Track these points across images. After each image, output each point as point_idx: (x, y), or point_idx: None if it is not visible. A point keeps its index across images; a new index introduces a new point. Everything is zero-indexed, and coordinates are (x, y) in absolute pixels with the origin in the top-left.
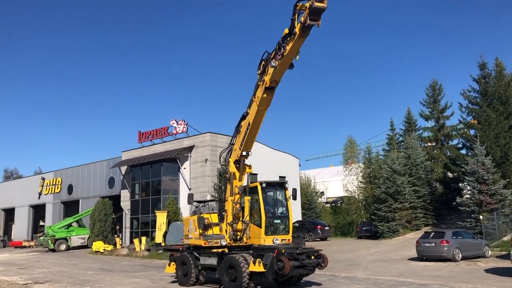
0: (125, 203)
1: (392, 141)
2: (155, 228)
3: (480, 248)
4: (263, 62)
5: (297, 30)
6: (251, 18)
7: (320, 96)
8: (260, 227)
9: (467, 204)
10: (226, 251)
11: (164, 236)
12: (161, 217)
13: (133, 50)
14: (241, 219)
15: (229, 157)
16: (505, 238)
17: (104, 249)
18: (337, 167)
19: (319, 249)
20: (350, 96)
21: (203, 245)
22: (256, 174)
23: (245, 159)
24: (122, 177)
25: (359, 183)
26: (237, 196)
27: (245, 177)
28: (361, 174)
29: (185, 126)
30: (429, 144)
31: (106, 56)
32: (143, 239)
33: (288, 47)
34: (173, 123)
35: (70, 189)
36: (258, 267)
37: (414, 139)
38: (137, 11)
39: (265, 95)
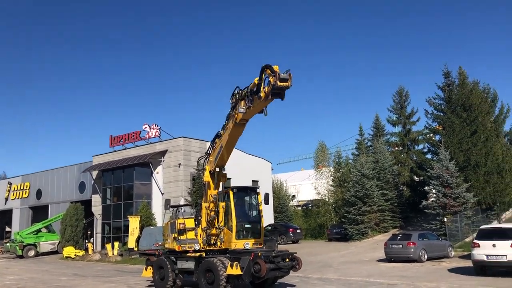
0: (96, 208)
1: (361, 145)
2: (128, 233)
3: (444, 249)
4: (235, 95)
5: (262, 95)
6: (230, 19)
7: (291, 99)
8: (231, 231)
9: (432, 207)
10: (204, 255)
11: (137, 241)
12: (134, 222)
13: (107, 53)
14: (215, 224)
15: (206, 164)
16: (467, 239)
17: (75, 255)
18: (308, 170)
19: (294, 252)
20: (321, 101)
21: (177, 249)
22: (229, 179)
23: (221, 171)
24: (93, 181)
25: (329, 187)
26: (212, 204)
27: (220, 184)
28: (331, 178)
29: (158, 130)
30: (396, 148)
31: (77, 58)
32: (116, 244)
33: (254, 104)
34: (145, 128)
35: (38, 194)
36: (236, 270)
37: (382, 144)
38: (113, 13)
39: (235, 128)
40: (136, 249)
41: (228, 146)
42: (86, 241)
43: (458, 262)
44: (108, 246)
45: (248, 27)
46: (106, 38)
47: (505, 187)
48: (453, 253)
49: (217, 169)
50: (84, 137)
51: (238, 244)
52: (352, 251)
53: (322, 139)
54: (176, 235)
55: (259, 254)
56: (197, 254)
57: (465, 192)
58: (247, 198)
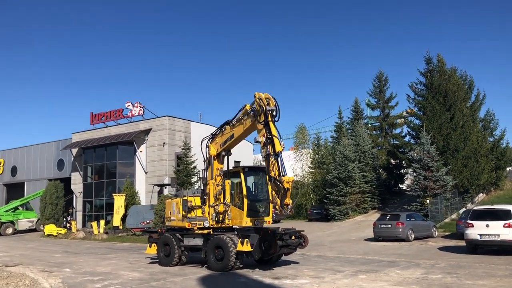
0: (76, 186)
1: (341, 128)
2: (110, 211)
3: (429, 229)
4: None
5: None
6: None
7: (269, 80)
8: (242, 210)
9: (413, 189)
10: (211, 232)
11: (123, 219)
12: (119, 200)
13: (88, 29)
14: (221, 200)
15: (210, 143)
16: (446, 220)
17: (57, 233)
18: (286, 152)
19: (301, 230)
20: (298, 82)
21: (187, 227)
22: None
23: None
24: (73, 159)
25: (309, 168)
26: (218, 178)
27: (225, 159)
28: (310, 160)
29: (142, 108)
30: (374, 132)
31: (57, 33)
32: (102, 222)
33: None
34: (128, 105)
35: (14, 170)
36: (246, 247)
37: (362, 127)
38: None
39: (253, 125)
40: (121, 227)
41: (239, 138)
42: (69, 218)
43: (443, 241)
44: (94, 224)
45: (229, 5)
46: (87, 14)
47: (481, 171)
48: (436, 233)
49: (223, 153)
50: (62, 114)
51: (249, 222)
52: (336, 231)
53: (299, 120)
54: (184, 213)
55: (269, 231)
56: (206, 231)
57: (445, 175)
58: (256, 177)
